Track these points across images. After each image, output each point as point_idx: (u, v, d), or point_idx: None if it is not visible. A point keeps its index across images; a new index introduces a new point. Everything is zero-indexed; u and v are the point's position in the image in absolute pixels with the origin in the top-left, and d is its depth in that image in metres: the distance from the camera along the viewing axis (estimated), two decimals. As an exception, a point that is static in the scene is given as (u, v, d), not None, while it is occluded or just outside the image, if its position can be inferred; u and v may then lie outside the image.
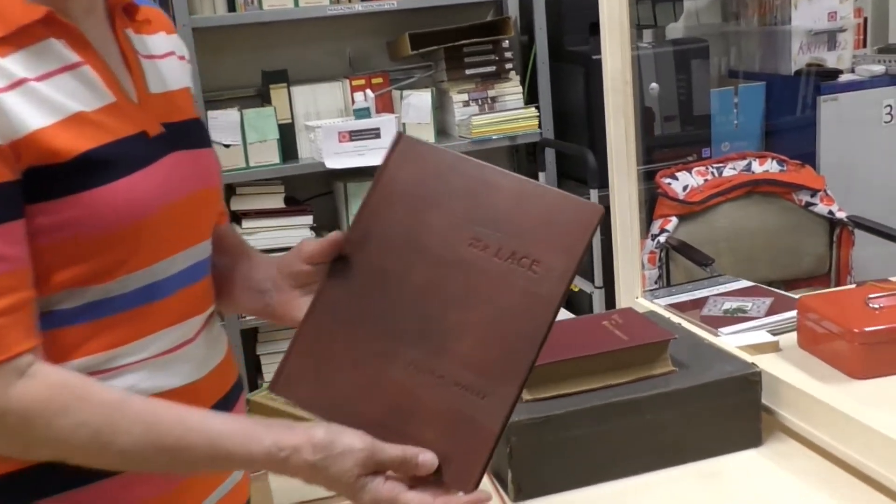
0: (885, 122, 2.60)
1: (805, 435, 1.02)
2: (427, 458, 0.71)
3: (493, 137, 2.54)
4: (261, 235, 2.43)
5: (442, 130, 2.63)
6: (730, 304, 1.43)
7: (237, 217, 2.47)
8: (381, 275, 0.75)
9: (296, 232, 2.46)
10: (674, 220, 2.20)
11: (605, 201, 2.39)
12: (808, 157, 2.49)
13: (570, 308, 2.44)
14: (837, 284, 2.35)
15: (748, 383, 1.01)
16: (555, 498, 0.96)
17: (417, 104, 2.51)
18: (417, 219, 0.75)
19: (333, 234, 0.79)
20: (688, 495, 0.94)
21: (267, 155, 2.44)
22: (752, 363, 1.04)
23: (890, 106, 2.59)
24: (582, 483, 0.97)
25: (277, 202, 2.48)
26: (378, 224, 0.77)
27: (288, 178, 2.51)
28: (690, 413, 0.99)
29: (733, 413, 1.02)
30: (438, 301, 0.73)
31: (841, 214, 2.28)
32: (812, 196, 2.27)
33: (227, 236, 0.95)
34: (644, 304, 1.37)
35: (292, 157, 2.51)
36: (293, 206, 2.52)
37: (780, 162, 2.30)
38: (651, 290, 1.45)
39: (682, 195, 2.24)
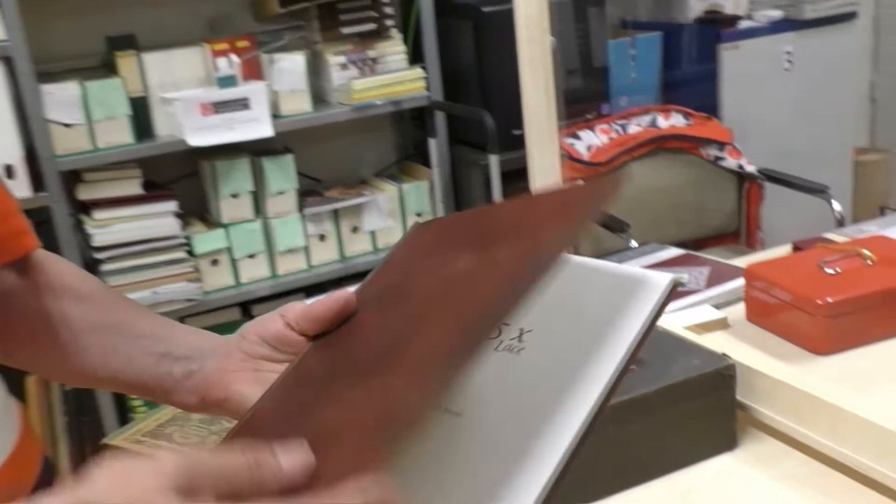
0: (786, 70, 2.50)
1: (783, 430, 0.85)
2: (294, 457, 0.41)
3: (377, 102, 2.30)
4: (117, 227, 2.13)
5: (319, 97, 2.37)
6: (664, 277, 1.26)
7: (86, 208, 2.15)
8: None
9: (159, 221, 2.17)
10: (580, 183, 2.02)
11: (506, 166, 2.23)
12: (710, 109, 2.36)
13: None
14: (747, 241, 2.24)
15: (721, 379, 0.83)
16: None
17: (289, 69, 2.24)
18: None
19: (342, 293, 0.58)
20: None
21: (117, 134, 2.13)
22: (724, 354, 0.86)
23: (790, 52, 2.49)
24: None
25: (134, 188, 2.18)
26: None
27: (145, 160, 2.20)
28: (657, 421, 0.80)
29: (705, 415, 0.84)
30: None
31: (750, 168, 2.16)
32: (720, 150, 2.14)
33: (56, 271, 0.65)
34: (574, 285, 1.18)
35: (148, 135, 2.20)
36: (153, 191, 2.22)
37: (686, 115, 2.16)
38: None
39: (586, 156, 2.07)
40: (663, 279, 0.54)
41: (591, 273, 0.58)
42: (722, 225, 2.24)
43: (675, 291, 0.55)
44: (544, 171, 1.16)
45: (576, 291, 0.56)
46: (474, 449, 0.50)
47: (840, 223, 2.00)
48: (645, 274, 0.55)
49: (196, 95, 2.13)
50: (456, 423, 0.52)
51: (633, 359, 0.52)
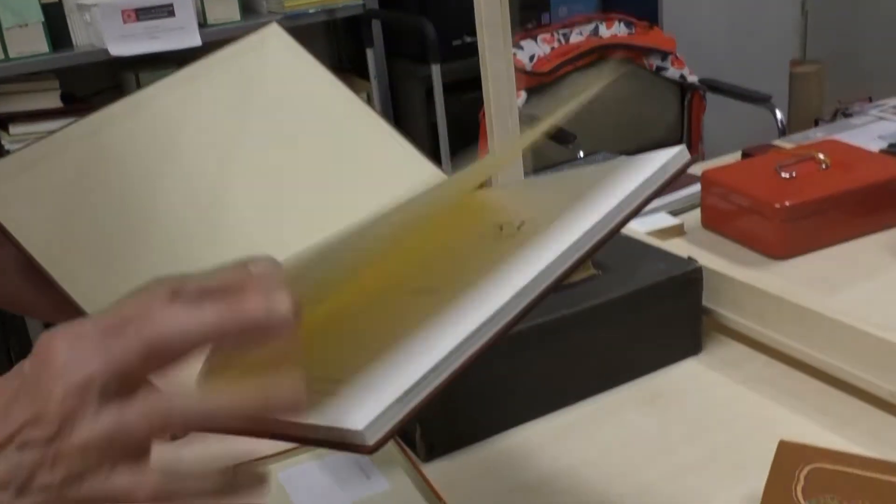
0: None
1: (748, 333, 0.84)
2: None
3: (310, 11, 2.20)
4: (37, 143, 2.00)
5: (248, 5, 2.25)
6: (618, 184, 1.23)
7: (2, 122, 2.01)
8: None
9: (81, 135, 2.05)
10: (523, 94, 1.97)
11: (447, 77, 2.15)
12: (651, 16, 2.32)
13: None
14: (690, 152, 2.23)
15: (688, 283, 0.81)
16: (476, 449, 0.73)
17: (216, -27, 2.12)
18: None
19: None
20: (634, 425, 0.74)
21: (31, 43, 1.98)
22: (690, 258, 0.84)
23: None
24: (507, 426, 0.75)
25: (52, 101, 2.05)
26: None
27: (62, 71, 2.07)
28: (624, 327, 0.78)
29: (672, 320, 0.82)
30: None
31: (692, 78, 2.14)
32: (663, 59, 2.11)
33: None
34: (529, 193, 1.14)
35: (65, 44, 2.06)
36: (72, 104, 2.09)
37: (628, 24, 2.12)
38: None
39: (529, 66, 2.01)
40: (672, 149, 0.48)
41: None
42: (664, 136, 2.22)
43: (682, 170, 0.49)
44: (499, 79, 1.10)
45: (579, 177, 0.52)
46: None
47: (782, 133, 2.01)
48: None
49: (116, 2, 1.99)
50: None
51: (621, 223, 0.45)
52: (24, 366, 0.36)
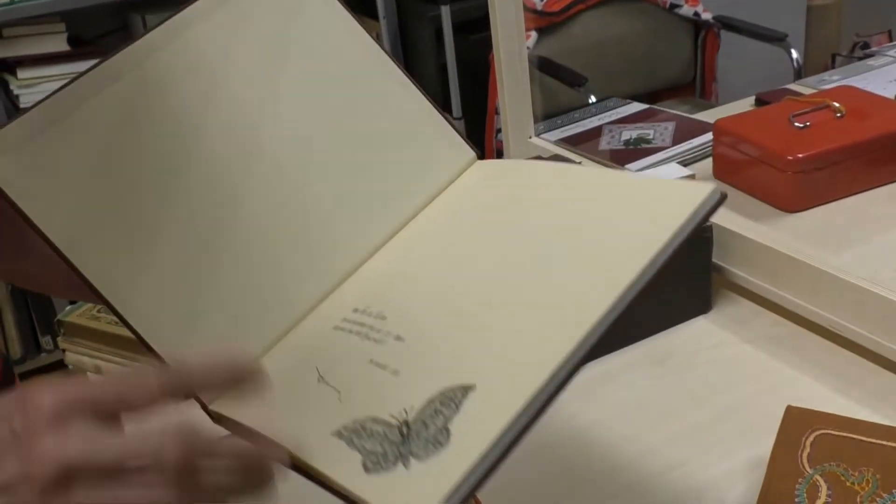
0: None
1: (758, 292, 0.84)
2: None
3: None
4: (44, 87, 1.99)
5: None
6: (629, 134, 1.22)
7: (10, 67, 2.00)
8: None
9: (88, 80, 2.03)
10: (533, 34, 1.94)
11: (459, 15, 2.12)
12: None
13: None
14: (703, 93, 2.20)
15: (699, 241, 0.81)
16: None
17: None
18: None
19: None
20: (643, 387, 0.75)
21: (34, -15, 1.96)
22: (700, 216, 0.83)
23: None
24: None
25: (59, 44, 2.03)
26: None
27: (69, 14, 2.04)
28: (633, 288, 0.78)
29: (682, 278, 0.82)
30: None
31: (706, 15, 2.09)
32: (677, -4, 2.06)
33: None
34: (539, 146, 1.13)
35: (69, -14, 2.03)
36: (80, 47, 2.07)
37: (642, -40, 2.06)
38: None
39: (540, 6, 1.97)
40: (702, 189, 0.47)
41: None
42: (677, 76, 2.19)
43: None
44: (506, 19, 1.08)
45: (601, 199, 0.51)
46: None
47: (798, 73, 1.97)
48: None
49: (119, -59, 1.96)
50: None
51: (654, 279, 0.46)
52: (14, 419, 0.35)
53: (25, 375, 2.11)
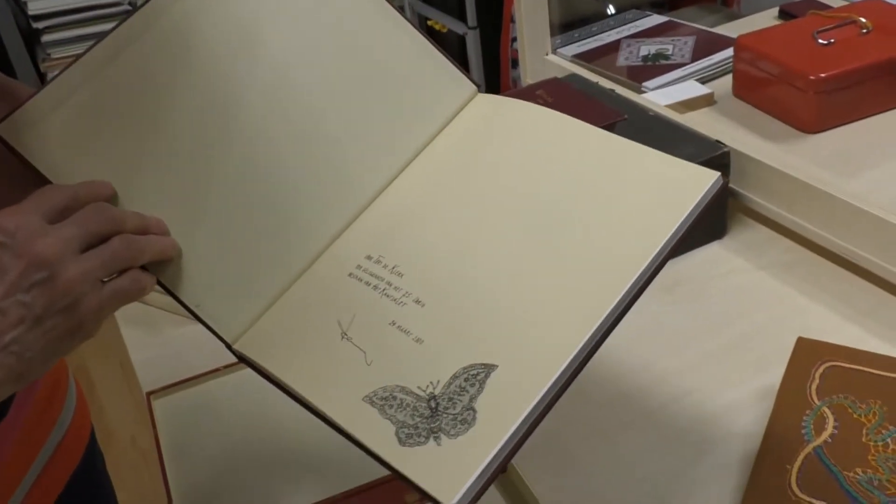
0: None
1: (774, 217, 0.84)
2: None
3: None
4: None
5: None
6: (648, 49, 1.20)
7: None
8: None
9: None
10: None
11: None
12: None
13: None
14: (725, 0, 2.13)
15: (716, 168, 0.80)
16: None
17: None
18: None
19: None
20: (654, 315, 0.76)
21: None
22: (717, 141, 0.82)
23: None
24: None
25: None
26: None
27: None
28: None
29: (696, 207, 0.81)
30: None
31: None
32: None
33: None
34: (556, 63, 1.11)
35: None
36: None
37: None
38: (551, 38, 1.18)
39: None
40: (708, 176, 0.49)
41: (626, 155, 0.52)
42: (699, -20, 2.11)
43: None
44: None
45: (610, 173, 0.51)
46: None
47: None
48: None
49: None
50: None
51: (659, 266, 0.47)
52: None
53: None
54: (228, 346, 0.49)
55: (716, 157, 0.80)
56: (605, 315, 0.44)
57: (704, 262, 0.82)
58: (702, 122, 0.90)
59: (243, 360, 0.49)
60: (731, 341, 0.72)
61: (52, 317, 0.43)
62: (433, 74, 0.57)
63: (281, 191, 0.51)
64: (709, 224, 0.83)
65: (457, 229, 0.51)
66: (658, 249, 0.47)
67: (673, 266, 0.81)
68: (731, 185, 0.84)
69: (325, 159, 0.53)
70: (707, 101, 1.07)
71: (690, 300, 0.77)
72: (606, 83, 1.01)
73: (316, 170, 0.52)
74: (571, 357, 0.43)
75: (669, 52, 1.17)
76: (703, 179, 0.49)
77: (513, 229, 0.50)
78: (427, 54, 0.57)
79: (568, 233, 0.49)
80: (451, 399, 0.44)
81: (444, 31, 2.18)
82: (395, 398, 0.44)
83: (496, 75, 2.12)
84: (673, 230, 0.47)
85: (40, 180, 0.47)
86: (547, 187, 0.51)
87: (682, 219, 0.48)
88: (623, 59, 1.18)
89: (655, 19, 1.28)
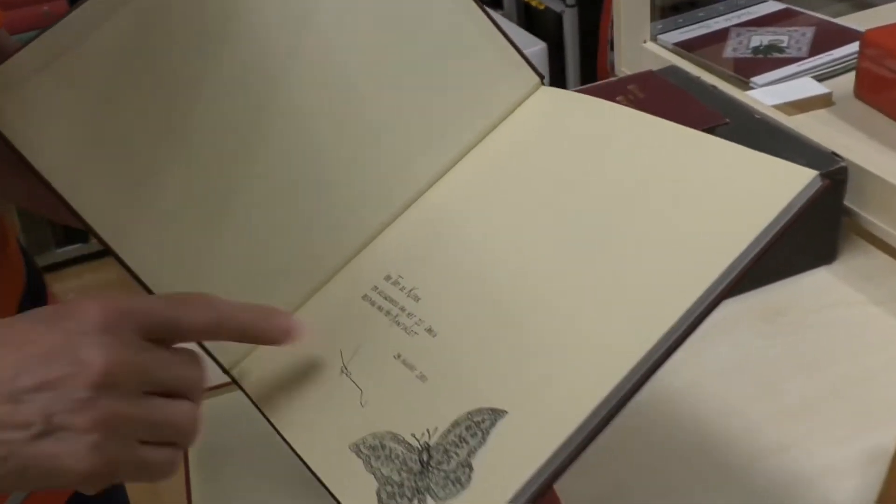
0: None
1: (892, 242, 0.73)
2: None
3: None
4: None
5: None
6: (760, 39, 1.08)
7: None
8: None
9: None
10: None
11: None
12: None
13: (534, 31, 2.05)
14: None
15: (830, 185, 0.70)
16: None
17: None
18: None
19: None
20: (748, 347, 0.67)
21: None
22: (833, 154, 0.72)
23: None
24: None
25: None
26: None
27: None
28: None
29: (806, 224, 0.71)
30: None
31: None
32: None
33: None
34: (654, 52, 1.01)
35: None
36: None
37: None
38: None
39: None
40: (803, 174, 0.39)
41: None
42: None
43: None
44: None
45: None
46: None
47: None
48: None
49: None
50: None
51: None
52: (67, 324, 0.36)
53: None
54: (223, 368, 0.44)
55: (831, 171, 0.70)
56: (653, 344, 0.36)
57: (810, 290, 0.72)
58: (816, 128, 0.79)
59: (239, 386, 0.43)
60: (836, 388, 0.62)
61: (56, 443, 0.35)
62: (492, 62, 0.49)
63: (307, 193, 0.45)
64: (816, 244, 0.73)
65: (493, 244, 0.44)
66: (730, 263, 0.38)
67: (772, 292, 0.72)
68: (846, 203, 0.74)
69: (359, 155, 0.46)
70: (824, 102, 0.96)
71: (790, 334, 0.68)
72: (709, 77, 0.91)
73: (348, 169, 0.45)
74: (600, 401, 0.35)
75: (784, 45, 1.06)
76: (797, 179, 0.39)
77: (557, 244, 0.42)
78: (488, 37, 0.49)
79: (623, 249, 0.41)
80: (446, 452, 0.37)
81: (542, 7, 2.08)
82: (384, 447, 0.38)
83: (592, 58, 2.02)
84: (751, 239, 0.38)
85: (17, 156, 0.41)
86: (604, 192, 0.43)
87: (766, 226, 0.38)
88: (731, 49, 1.07)
89: (772, 6, 1.16)
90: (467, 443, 0.36)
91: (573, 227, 0.42)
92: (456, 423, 0.37)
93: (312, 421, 0.40)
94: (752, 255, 0.38)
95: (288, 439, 0.41)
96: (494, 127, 0.49)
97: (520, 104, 0.50)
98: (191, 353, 0.39)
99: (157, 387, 0.37)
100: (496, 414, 0.37)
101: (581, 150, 0.46)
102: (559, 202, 0.43)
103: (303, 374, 0.42)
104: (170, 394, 0.37)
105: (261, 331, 0.40)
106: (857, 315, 0.69)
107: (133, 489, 0.75)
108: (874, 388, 0.62)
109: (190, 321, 0.38)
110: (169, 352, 0.38)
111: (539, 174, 0.46)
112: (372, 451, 0.38)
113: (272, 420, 0.42)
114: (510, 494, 0.34)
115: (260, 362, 0.43)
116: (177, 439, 0.38)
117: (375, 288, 0.44)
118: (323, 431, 0.40)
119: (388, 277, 0.44)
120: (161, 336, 0.37)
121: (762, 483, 0.56)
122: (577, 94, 0.50)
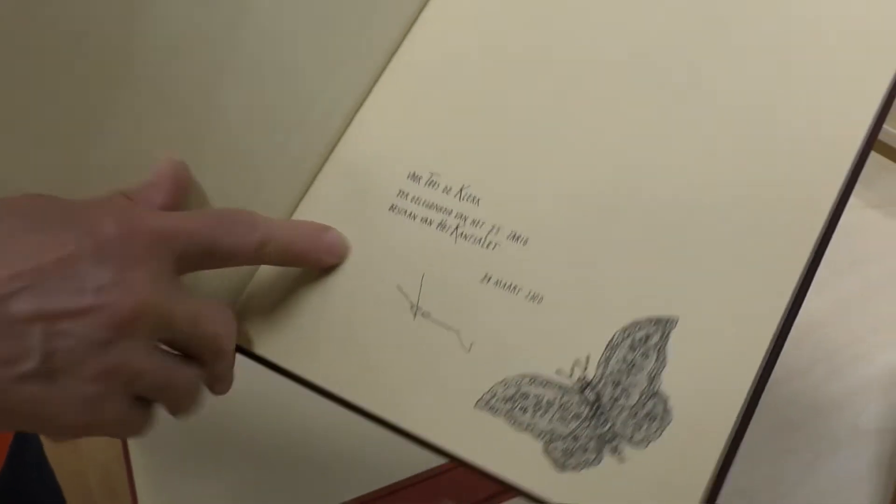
0: None
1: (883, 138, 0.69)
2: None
3: None
4: None
5: None
6: None
7: None
8: None
9: None
10: None
11: None
12: None
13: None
14: None
15: None
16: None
17: None
18: None
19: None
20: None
21: None
22: None
23: None
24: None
25: None
26: None
27: None
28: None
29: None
30: None
31: None
32: None
33: None
34: None
35: None
36: None
37: None
38: None
39: None
40: None
41: None
42: None
43: None
44: None
45: None
46: None
47: None
48: None
49: None
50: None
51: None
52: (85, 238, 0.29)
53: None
54: (242, 351, 0.35)
55: None
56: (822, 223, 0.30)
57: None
58: None
59: (302, 382, 0.34)
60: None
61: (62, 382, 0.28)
62: None
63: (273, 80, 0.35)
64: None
65: (557, 105, 0.33)
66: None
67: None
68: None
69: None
70: None
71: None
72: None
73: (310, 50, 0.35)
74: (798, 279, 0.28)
75: None
76: None
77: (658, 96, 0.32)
78: None
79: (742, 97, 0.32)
80: (617, 384, 0.29)
81: None
82: (526, 396, 0.30)
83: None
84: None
85: None
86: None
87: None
88: None
89: None
90: (642, 367, 0.28)
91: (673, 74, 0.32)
92: (612, 346, 0.29)
93: (406, 388, 0.31)
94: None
95: (403, 425, 0.30)
96: None
97: None
98: (223, 309, 0.32)
99: (174, 341, 0.30)
100: (664, 323, 0.29)
101: None
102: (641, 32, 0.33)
103: (365, 332, 0.32)
104: (185, 351, 0.31)
105: (310, 247, 0.33)
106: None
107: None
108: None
109: (232, 244, 0.31)
110: (200, 302, 0.31)
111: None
112: (510, 402, 0.29)
113: (365, 405, 0.31)
114: (735, 413, 0.26)
115: (302, 343, 0.34)
116: (170, 406, 0.31)
117: (402, 193, 0.34)
118: (429, 396, 0.30)
119: (414, 176, 0.34)
120: (195, 264, 0.31)
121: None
122: None
